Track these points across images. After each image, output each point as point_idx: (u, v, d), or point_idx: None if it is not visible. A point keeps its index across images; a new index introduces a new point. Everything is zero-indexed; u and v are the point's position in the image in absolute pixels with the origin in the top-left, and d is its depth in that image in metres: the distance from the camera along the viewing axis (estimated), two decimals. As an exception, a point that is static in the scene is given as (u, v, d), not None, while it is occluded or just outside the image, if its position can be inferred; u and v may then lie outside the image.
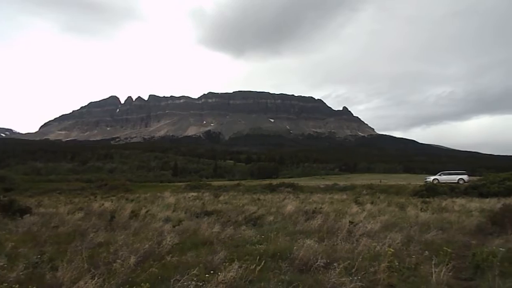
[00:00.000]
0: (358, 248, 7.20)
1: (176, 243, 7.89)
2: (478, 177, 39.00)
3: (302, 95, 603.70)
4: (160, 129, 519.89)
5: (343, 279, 5.22)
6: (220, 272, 5.38)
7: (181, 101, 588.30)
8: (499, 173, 33.85)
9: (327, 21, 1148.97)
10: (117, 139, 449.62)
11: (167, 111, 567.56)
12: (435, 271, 5.54)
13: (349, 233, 8.94)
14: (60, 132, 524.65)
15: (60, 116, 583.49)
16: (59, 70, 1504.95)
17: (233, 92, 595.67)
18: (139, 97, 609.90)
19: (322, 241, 7.89)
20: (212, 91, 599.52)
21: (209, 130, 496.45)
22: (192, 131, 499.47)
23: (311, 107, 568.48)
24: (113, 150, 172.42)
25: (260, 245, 7.84)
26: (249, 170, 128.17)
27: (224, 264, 5.87)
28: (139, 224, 10.91)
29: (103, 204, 17.68)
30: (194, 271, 5.40)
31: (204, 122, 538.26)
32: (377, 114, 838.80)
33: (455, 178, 40.47)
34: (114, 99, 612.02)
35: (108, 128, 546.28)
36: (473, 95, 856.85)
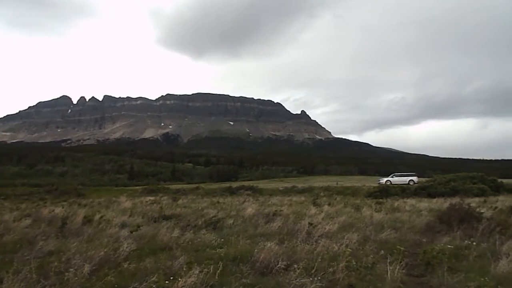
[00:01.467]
0: (317, 249, 7.34)
1: (134, 249, 7.62)
2: (427, 179, 41.40)
3: (262, 98, 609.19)
4: (115, 131, 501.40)
5: (304, 280, 5.30)
6: (180, 278, 5.27)
7: (138, 102, 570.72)
8: (445, 175, 36.14)
9: (286, 26, 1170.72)
10: (69, 141, 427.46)
11: (123, 113, 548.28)
12: (390, 269, 5.79)
13: (308, 234, 9.11)
14: (5, 133, 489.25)
15: (5, 117, 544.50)
16: (5, 67, 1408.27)
17: (192, 94, 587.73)
18: (93, 97, 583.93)
19: (282, 243, 7.96)
20: (170, 93, 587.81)
21: (167, 133, 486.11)
22: (149, 133, 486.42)
23: (270, 111, 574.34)
24: (64, 153, 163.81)
25: (221, 248, 7.77)
26: (209, 173, 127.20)
27: (184, 269, 5.75)
28: (93, 230, 10.42)
29: (53, 210, 16.71)
30: (153, 278, 5.24)
31: (162, 124, 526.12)
32: (334, 118, 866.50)
33: (406, 179, 42.62)
34: (65, 99, 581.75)
35: (59, 130, 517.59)
36: (422, 101, 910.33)
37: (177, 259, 6.62)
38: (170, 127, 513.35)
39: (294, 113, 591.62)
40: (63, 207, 19.43)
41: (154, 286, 5.05)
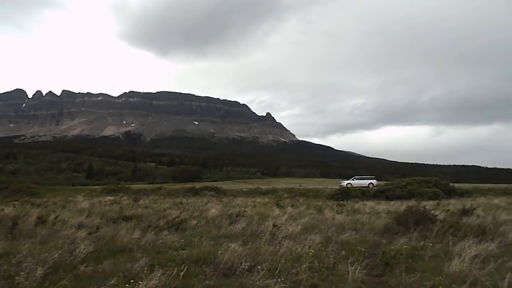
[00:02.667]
0: (281, 250, 7.39)
1: (91, 251, 7.30)
2: (385, 182, 42.99)
3: (228, 99, 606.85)
4: (73, 127, 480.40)
5: (267, 281, 5.30)
6: (141, 281, 5.10)
7: (99, 98, 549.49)
8: (402, 179, 37.71)
9: (253, 28, 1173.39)
10: (22, 137, 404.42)
11: (82, 109, 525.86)
12: (351, 270, 5.93)
13: (272, 235, 9.15)
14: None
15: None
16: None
17: (157, 92, 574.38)
18: (50, 91, 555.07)
19: (246, 245, 7.94)
20: (133, 90, 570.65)
21: (129, 131, 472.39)
22: (110, 131, 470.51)
23: (236, 112, 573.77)
24: (16, 149, 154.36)
25: (183, 250, 7.65)
26: (171, 173, 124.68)
27: (145, 271, 5.57)
28: (47, 231, 9.88)
29: (2, 210, 15.72)
30: (112, 281, 5.05)
31: (124, 122, 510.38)
32: (298, 121, 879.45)
33: (365, 182, 44.05)
34: (20, 92, 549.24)
35: (12, 125, 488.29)
36: (381, 107, 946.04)
37: (138, 261, 6.42)
38: (133, 125, 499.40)
39: (260, 115, 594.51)
40: (14, 207, 18.36)
41: (113, 289, 4.86)
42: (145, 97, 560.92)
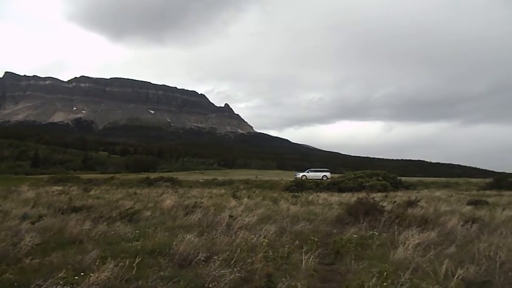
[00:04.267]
0: (237, 241, 7.48)
1: (38, 244, 6.91)
2: (338, 175, 44.59)
3: (185, 88, 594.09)
4: (17, 112, 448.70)
5: (223, 271, 5.35)
6: (92, 273, 4.94)
7: (47, 82, 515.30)
8: (354, 172, 39.31)
9: (213, 16, 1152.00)
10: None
11: (28, 93, 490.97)
12: (304, 259, 6.14)
13: (228, 226, 9.22)
14: None
15: None
16: None
17: (110, 78, 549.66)
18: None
19: (202, 235, 7.95)
20: (85, 75, 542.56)
21: (80, 118, 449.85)
22: (59, 117, 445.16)
23: (194, 102, 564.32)
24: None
25: (137, 241, 7.50)
26: (125, 163, 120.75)
27: (96, 263, 5.39)
28: (-13, 223, 9.24)
29: None
30: (61, 274, 4.83)
31: (75, 108, 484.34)
32: (256, 113, 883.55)
33: (320, 175, 45.42)
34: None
35: None
36: (337, 102, 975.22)
37: (89, 253, 6.22)
38: (84, 112, 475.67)
39: (218, 105, 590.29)
40: None
41: (61, 282, 4.66)
42: (98, 83, 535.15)
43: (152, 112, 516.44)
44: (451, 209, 14.87)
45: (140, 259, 5.68)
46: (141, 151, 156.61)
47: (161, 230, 8.50)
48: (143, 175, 51.45)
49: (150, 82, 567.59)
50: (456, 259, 6.19)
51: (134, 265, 5.40)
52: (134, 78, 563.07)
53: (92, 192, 23.62)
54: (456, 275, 5.12)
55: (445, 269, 5.43)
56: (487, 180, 41.44)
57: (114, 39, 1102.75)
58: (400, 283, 5.00)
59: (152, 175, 50.12)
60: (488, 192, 28.48)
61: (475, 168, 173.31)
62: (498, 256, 6.09)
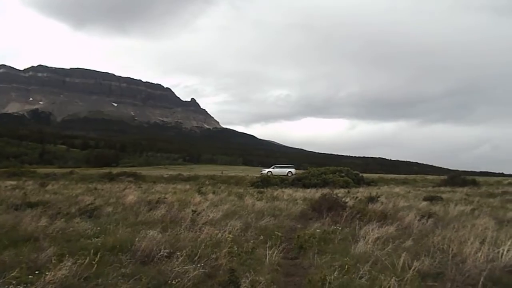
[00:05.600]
0: (201, 236, 7.41)
1: (-12, 242, 6.54)
2: (303, 171, 45.30)
3: (150, 81, 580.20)
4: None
5: (187, 267, 5.28)
6: (48, 271, 4.71)
7: (1, 70, 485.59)
8: (318, 168, 40.09)
9: (180, 8, 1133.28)
10: None
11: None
12: (268, 253, 6.20)
13: (193, 222, 9.11)
14: None
15: None
16: None
17: (71, 68, 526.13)
18: None
19: (166, 231, 7.80)
20: (43, 64, 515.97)
21: (37, 109, 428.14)
22: (13, 108, 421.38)
23: (159, 95, 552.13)
24: None
25: (97, 238, 7.25)
26: (85, 157, 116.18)
27: (53, 261, 5.15)
28: None
29: None
30: (14, 273, 4.58)
31: (31, 99, 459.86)
32: (223, 108, 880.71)
33: (285, 171, 45.98)
34: None
35: None
36: (303, 100, 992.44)
37: (45, 251, 5.93)
38: (41, 103, 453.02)
39: (184, 100, 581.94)
40: None
41: (14, 282, 4.42)
42: (57, 72, 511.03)
43: (115, 105, 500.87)
44: (409, 204, 15.47)
45: (100, 256, 5.49)
46: (103, 145, 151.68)
47: (123, 226, 8.26)
48: (105, 170, 49.92)
49: (113, 74, 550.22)
50: (412, 252, 6.46)
51: (94, 262, 5.22)
52: (97, 69, 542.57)
53: (49, 187, 22.60)
54: (413, 267, 5.35)
55: (402, 262, 5.66)
56: (442, 177, 43.55)
57: (75, 27, 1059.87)
58: (359, 276, 5.16)
59: (114, 170, 48.74)
60: (442, 188, 29.88)
61: (431, 166, 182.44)
62: (450, 249, 6.43)
